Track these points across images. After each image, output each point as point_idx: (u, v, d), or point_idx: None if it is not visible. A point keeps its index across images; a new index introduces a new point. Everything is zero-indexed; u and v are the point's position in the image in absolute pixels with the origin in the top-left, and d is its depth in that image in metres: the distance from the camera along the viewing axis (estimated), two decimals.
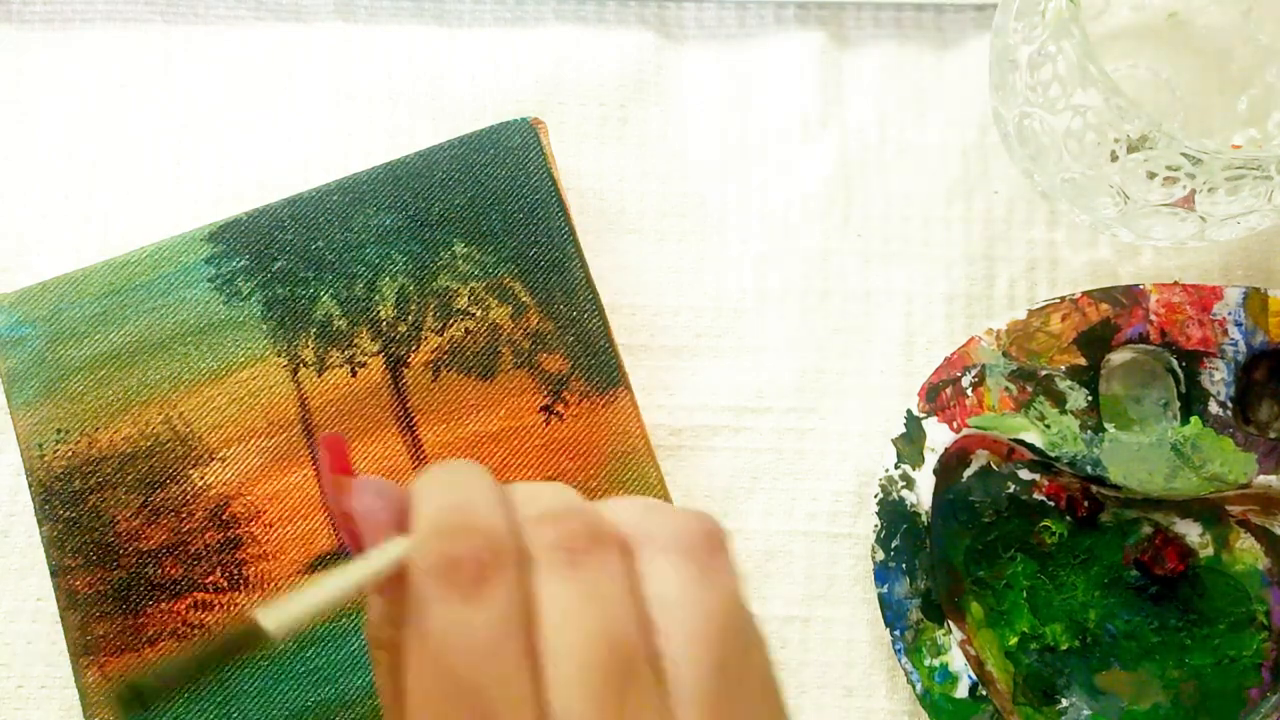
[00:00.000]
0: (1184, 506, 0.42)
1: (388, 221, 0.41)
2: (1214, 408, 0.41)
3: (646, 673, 0.24)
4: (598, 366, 0.40)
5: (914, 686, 0.40)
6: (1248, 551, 0.41)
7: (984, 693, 0.39)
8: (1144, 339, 0.42)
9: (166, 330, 0.41)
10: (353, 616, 0.38)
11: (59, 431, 0.40)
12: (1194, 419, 0.41)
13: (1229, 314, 0.41)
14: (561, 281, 0.41)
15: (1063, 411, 0.41)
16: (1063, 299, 0.42)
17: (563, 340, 0.40)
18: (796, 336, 0.44)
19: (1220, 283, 0.44)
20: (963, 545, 0.41)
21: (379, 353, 0.40)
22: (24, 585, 0.42)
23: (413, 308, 0.41)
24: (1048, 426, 0.41)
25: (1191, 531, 0.41)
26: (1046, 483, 0.42)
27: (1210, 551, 0.41)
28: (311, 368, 0.40)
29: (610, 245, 0.45)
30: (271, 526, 0.39)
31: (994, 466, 0.42)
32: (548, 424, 0.40)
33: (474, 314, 0.41)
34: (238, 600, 0.38)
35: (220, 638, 0.23)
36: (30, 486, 0.39)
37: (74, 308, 0.41)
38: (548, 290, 0.41)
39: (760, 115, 0.46)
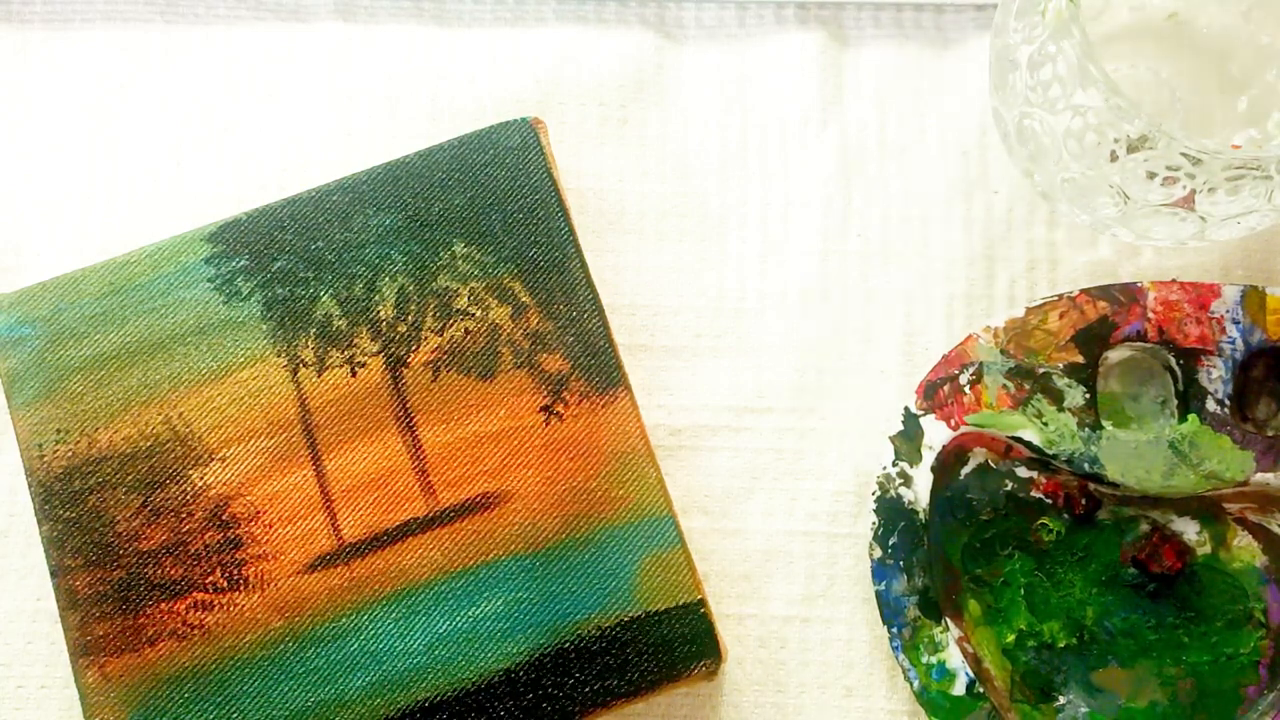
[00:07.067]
0: (1181, 504, 0.42)
1: (387, 221, 0.41)
2: (1211, 405, 0.41)
3: None
4: (597, 366, 0.40)
5: (911, 684, 0.40)
6: (1245, 549, 0.41)
7: (981, 690, 0.39)
8: (1142, 336, 0.42)
9: (166, 330, 0.41)
10: (352, 617, 0.38)
11: (59, 431, 0.40)
12: (1191, 417, 0.41)
13: (1227, 312, 0.42)
14: (561, 281, 0.41)
15: (1060, 409, 0.41)
16: (1060, 296, 0.42)
17: (563, 340, 0.40)
18: (796, 336, 0.44)
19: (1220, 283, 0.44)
20: (960, 542, 0.42)
21: (379, 353, 0.40)
22: (24, 585, 0.42)
23: (412, 308, 0.41)
24: (1045, 424, 0.41)
25: (1189, 529, 0.42)
26: (1044, 480, 0.42)
27: (1208, 549, 0.41)
28: (311, 368, 0.40)
29: (610, 245, 0.45)
30: (271, 526, 0.39)
31: (991, 464, 0.42)
32: (547, 424, 0.40)
33: (474, 314, 0.41)
34: (238, 600, 0.38)
35: None
36: (30, 486, 0.39)
37: (74, 308, 0.41)
38: (548, 290, 0.41)
39: (760, 115, 0.46)
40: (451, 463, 0.39)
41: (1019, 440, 0.41)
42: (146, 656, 0.38)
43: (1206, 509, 0.42)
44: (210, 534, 0.39)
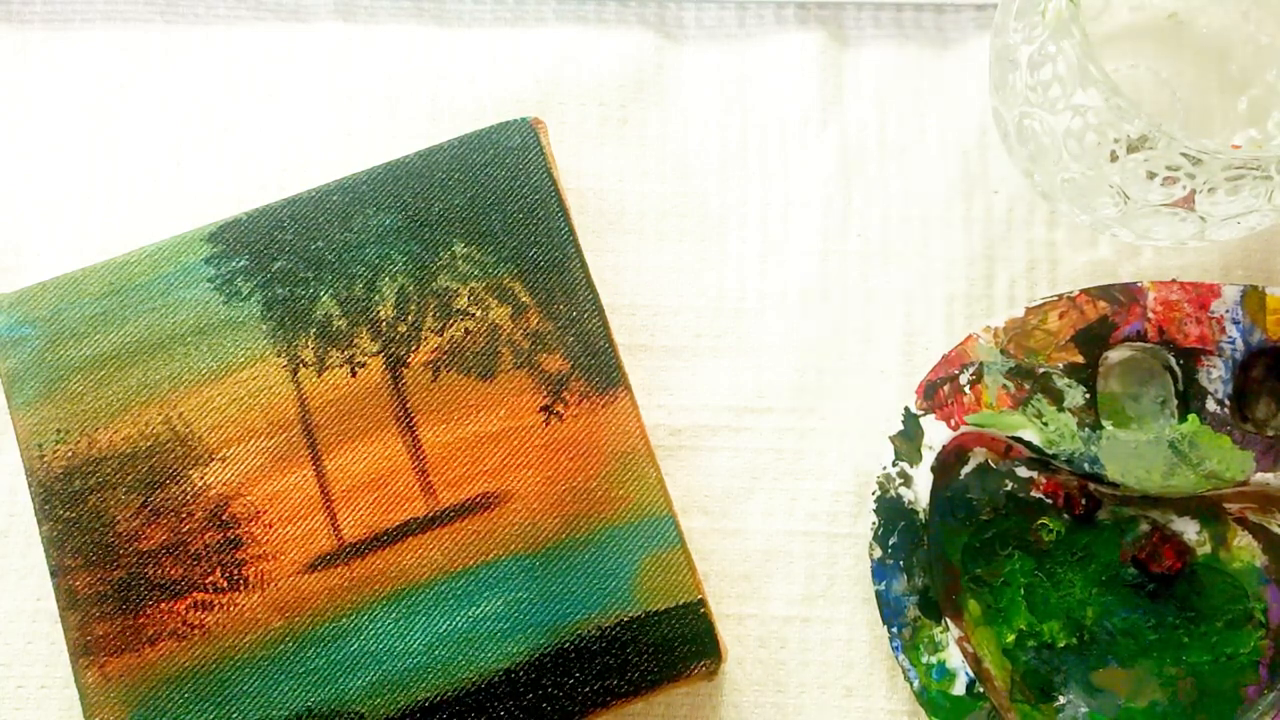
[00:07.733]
0: (1181, 504, 0.42)
1: (387, 221, 0.41)
2: (1211, 405, 0.41)
3: None
4: (597, 366, 0.40)
5: (911, 684, 0.40)
6: (1245, 549, 0.41)
7: (981, 690, 0.39)
8: (1142, 336, 0.42)
9: (166, 330, 0.41)
10: (352, 617, 0.38)
11: (59, 431, 0.40)
12: (1191, 417, 0.41)
13: (1226, 312, 0.42)
14: (561, 281, 0.41)
15: (1060, 409, 0.41)
16: (1060, 296, 0.42)
17: (562, 340, 0.40)
18: (796, 336, 0.44)
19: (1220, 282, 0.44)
20: (960, 542, 0.42)
21: (379, 353, 0.40)
22: (24, 585, 0.42)
23: (412, 308, 0.41)
24: (1045, 424, 0.41)
25: (1189, 529, 0.42)
26: (1044, 480, 0.42)
27: (1208, 549, 0.41)
28: (311, 368, 0.40)
29: (610, 245, 0.45)
30: (271, 526, 0.39)
31: (991, 464, 0.42)
32: (547, 424, 0.40)
33: (474, 314, 0.41)
34: (238, 600, 0.38)
35: None
36: (30, 486, 0.39)
37: (74, 308, 0.41)
38: (548, 290, 0.41)
39: (760, 115, 0.46)
40: (451, 463, 0.39)
41: (1019, 440, 0.41)
42: (146, 656, 0.38)
43: (1206, 509, 0.42)
44: (210, 534, 0.39)
